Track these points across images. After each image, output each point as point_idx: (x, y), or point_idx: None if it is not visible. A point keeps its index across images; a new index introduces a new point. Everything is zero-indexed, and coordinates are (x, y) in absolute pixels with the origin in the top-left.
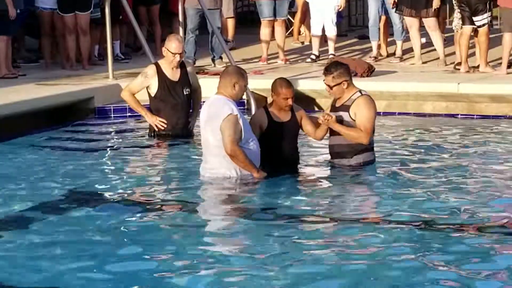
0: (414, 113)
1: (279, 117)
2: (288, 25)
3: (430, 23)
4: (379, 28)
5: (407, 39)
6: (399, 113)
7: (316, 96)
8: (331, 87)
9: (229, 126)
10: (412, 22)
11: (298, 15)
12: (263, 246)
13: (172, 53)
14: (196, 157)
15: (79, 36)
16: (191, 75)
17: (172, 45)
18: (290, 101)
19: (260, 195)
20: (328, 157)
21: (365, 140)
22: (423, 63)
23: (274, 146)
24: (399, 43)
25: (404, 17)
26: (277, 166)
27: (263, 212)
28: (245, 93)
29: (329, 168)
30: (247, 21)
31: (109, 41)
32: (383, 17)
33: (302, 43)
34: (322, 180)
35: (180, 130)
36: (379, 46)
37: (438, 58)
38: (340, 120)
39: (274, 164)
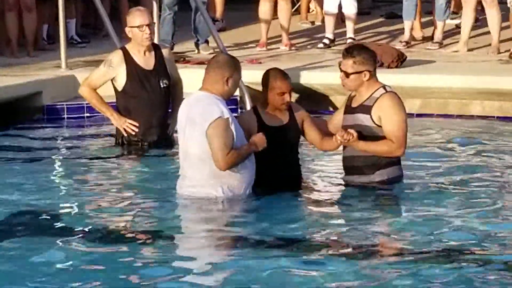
0: (457, 115)
1: (273, 120)
2: None
3: None
4: (416, 4)
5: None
6: (438, 115)
7: (329, 93)
8: (347, 75)
9: (219, 133)
10: None
11: None
12: (256, 284)
13: (138, 27)
14: (176, 170)
15: (22, 13)
16: (168, 62)
17: (133, 19)
18: (287, 97)
19: (253, 222)
20: (342, 172)
21: (399, 152)
22: (469, 50)
23: (267, 158)
24: (440, 24)
25: None
26: (273, 184)
27: (256, 242)
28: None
29: (342, 187)
30: None
31: (61, 20)
32: None
33: (312, 23)
34: (333, 202)
35: (156, 135)
36: (412, 28)
37: (490, 44)
38: (358, 130)
39: (269, 182)
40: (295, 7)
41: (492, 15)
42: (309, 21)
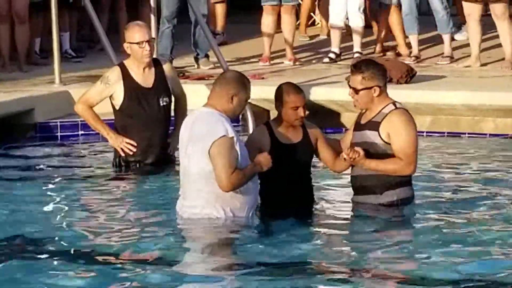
0: (469, 134)
1: (286, 137)
2: (299, 12)
3: (499, 9)
4: (417, 17)
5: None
6: (449, 133)
7: (336, 109)
8: (356, 91)
9: (223, 152)
10: (471, 9)
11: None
12: None
13: (138, 43)
14: (177, 191)
15: (14, 25)
16: (170, 78)
17: (133, 35)
18: (301, 111)
19: (259, 245)
20: (351, 192)
21: (409, 170)
22: (482, 65)
23: (279, 178)
24: (445, 37)
25: (463, 2)
26: (283, 205)
27: (263, 268)
28: None
29: (351, 208)
30: (243, 6)
31: (55, 33)
32: None
33: (312, 37)
34: (340, 225)
35: (155, 155)
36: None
37: (503, 59)
38: (366, 149)
39: (279, 202)
40: (300, 20)
41: (503, 28)
42: (307, 35)
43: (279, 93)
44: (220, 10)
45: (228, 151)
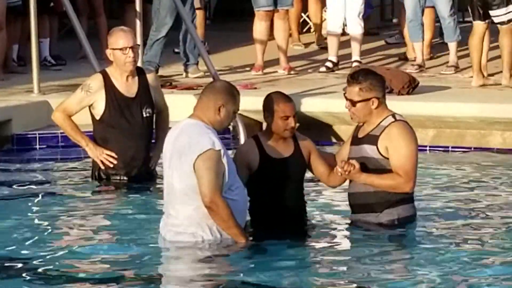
0: (475, 148)
1: (276, 151)
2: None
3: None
4: (422, 24)
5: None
6: (454, 148)
7: (333, 122)
8: (353, 103)
9: (209, 166)
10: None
11: (297, 4)
12: None
13: (121, 49)
14: (160, 208)
15: None
16: (153, 89)
17: (116, 40)
18: (291, 122)
19: (248, 269)
20: (349, 210)
21: (407, 187)
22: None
23: (268, 195)
24: (451, 46)
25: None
26: (274, 223)
27: None
28: None
29: (348, 227)
30: (235, 12)
31: (33, 39)
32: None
33: (307, 45)
34: (339, 245)
35: (137, 169)
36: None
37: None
38: (364, 164)
39: (269, 220)
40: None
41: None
42: (302, 43)
43: (268, 102)
44: (198, 17)
45: (215, 164)
